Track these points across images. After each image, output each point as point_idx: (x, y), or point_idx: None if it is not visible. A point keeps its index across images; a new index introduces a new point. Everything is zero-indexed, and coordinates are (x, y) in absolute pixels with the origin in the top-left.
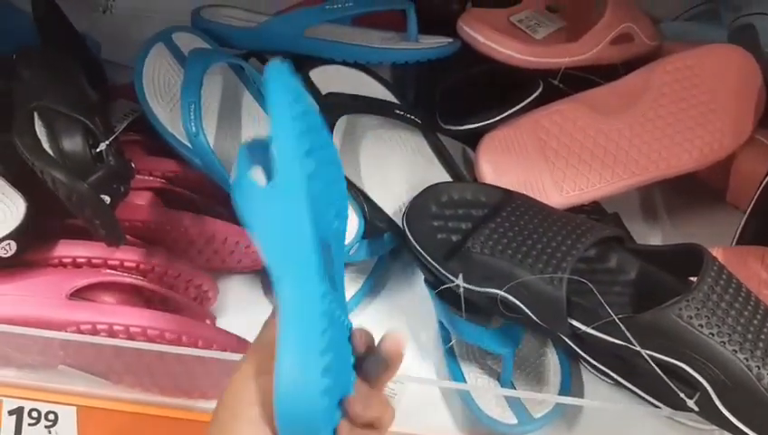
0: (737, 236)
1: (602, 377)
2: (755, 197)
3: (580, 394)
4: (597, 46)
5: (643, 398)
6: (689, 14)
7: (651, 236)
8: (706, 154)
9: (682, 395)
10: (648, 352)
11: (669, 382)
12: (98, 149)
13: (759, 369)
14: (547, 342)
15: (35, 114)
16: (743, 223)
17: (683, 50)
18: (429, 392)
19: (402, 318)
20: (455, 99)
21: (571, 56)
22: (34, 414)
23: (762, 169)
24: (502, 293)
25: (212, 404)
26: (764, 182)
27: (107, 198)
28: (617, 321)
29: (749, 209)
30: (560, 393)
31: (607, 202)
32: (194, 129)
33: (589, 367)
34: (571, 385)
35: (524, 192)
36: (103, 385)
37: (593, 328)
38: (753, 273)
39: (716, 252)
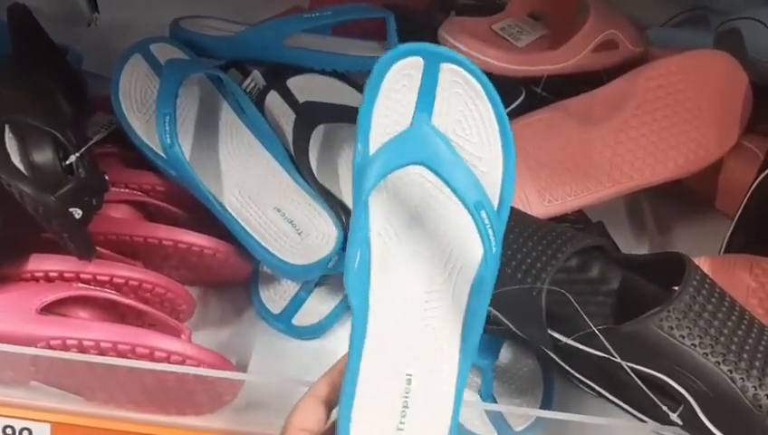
0: (725, 244)
1: (586, 389)
2: (742, 204)
3: (564, 407)
4: (579, 54)
5: (627, 411)
6: (677, 20)
7: (638, 245)
8: (692, 161)
9: (665, 408)
10: (629, 364)
11: (652, 395)
12: (68, 162)
13: (743, 381)
14: (529, 353)
15: (6, 127)
16: (730, 231)
17: (669, 56)
18: None
19: None
20: None
21: (553, 64)
22: (8, 431)
23: (749, 176)
24: None
25: (188, 420)
26: (751, 190)
27: (78, 211)
28: (596, 332)
29: (736, 217)
30: (542, 406)
31: (592, 211)
32: (169, 140)
33: (572, 379)
34: (553, 398)
35: None
36: (77, 401)
37: (574, 339)
38: (741, 282)
39: (704, 261)
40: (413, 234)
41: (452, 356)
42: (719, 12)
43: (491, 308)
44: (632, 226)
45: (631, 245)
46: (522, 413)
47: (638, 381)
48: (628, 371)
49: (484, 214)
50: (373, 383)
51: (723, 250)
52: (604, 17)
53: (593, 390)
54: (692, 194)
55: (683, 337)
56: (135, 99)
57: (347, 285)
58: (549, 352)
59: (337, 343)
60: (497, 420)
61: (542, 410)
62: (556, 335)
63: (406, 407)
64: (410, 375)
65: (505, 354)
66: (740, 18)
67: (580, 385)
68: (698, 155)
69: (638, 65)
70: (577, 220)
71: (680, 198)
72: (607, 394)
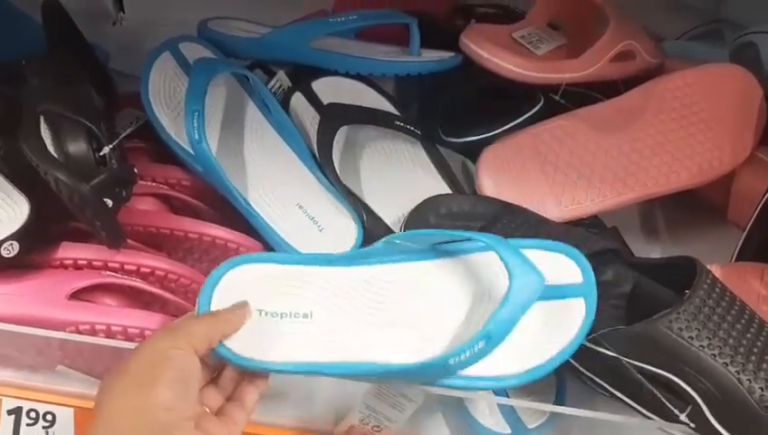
0: (736, 252)
1: (597, 389)
2: (755, 214)
3: (576, 406)
4: (598, 63)
5: (637, 410)
6: (693, 33)
7: (651, 252)
8: (706, 171)
9: (674, 409)
10: (638, 364)
11: (659, 395)
12: (101, 153)
13: (750, 382)
14: None
15: (41, 118)
16: (742, 240)
17: (685, 68)
18: (426, 403)
19: None
20: (456, 112)
21: (572, 72)
22: (33, 415)
23: (762, 187)
24: None
25: None
26: (764, 200)
27: (109, 202)
28: (606, 332)
29: (748, 226)
30: (554, 404)
31: (607, 217)
32: (197, 136)
33: (584, 379)
34: (566, 397)
35: (523, 205)
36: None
37: (585, 339)
38: (751, 289)
39: (715, 268)
40: None
41: None
42: (734, 25)
43: None
44: (645, 233)
45: (644, 251)
46: (534, 409)
47: (645, 382)
48: (633, 371)
49: None
50: None
51: (734, 258)
52: (623, 28)
53: (604, 389)
54: (704, 204)
55: (692, 338)
56: (164, 95)
57: None
58: None
59: None
60: (511, 416)
61: (554, 406)
62: None
63: None
64: None
65: None
66: (755, 32)
67: (592, 385)
68: (712, 165)
69: (655, 76)
70: (592, 225)
71: (693, 208)
72: (618, 393)
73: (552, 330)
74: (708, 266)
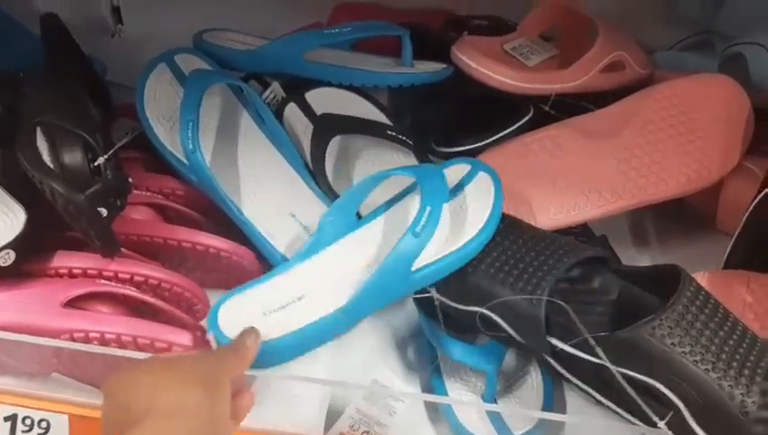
0: (724, 260)
1: (584, 394)
2: (742, 223)
3: (563, 412)
4: (587, 74)
5: (622, 415)
6: (684, 43)
7: (640, 260)
8: (693, 181)
9: (653, 416)
10: (622, 370)
11: (640, 401)
12: (96, 164)
13: (731, 388)
14: (531, 360)
15: (38, 129)
16: (729, 248)
17: (674, 78)
18: (417, 410)
19: (392, 336)
20: (448, 122)
21: (562, 83)
22: (28, 421)
23: (749, 196)
24: (482, 310)
25: None
26: (751, 208)
27: (104, 211)
28: (589, 339)
29: (736, 235)
30: (542, 411)
31: (598, 225)
32: (191, 146)
33: (571, 384)
34: (553, 403)
35: (513, 213)
36: (95, 394)
37: (571, 346)
38: (737, 296)
39: (703, 276)
40: None
41: None
42: (724, 36)
43: (493, 316)
44: (635, 241)
45: (634, 259)
46: (522, 415)
47: (627, 387)
48: (617, 377)
49: None
50: None
51: (722, 266)
52: (612, 40)
53: (590, 395)
54: (694, 212)
55: (674, 345)
56: (159, 106)
57: None
58: (549, 359)
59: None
60: (498, 422)
61: (539, 412)
62: (554, 342)
63: None
64: None
65: (509, 361)
66: (744, 43)
67: (579, 390)
68: (700, 175)
69: (645, 87)
70: (581, 234)
71: (682, 216)
72: (603, 399)
73: (477, 201)
74: (696, 274)
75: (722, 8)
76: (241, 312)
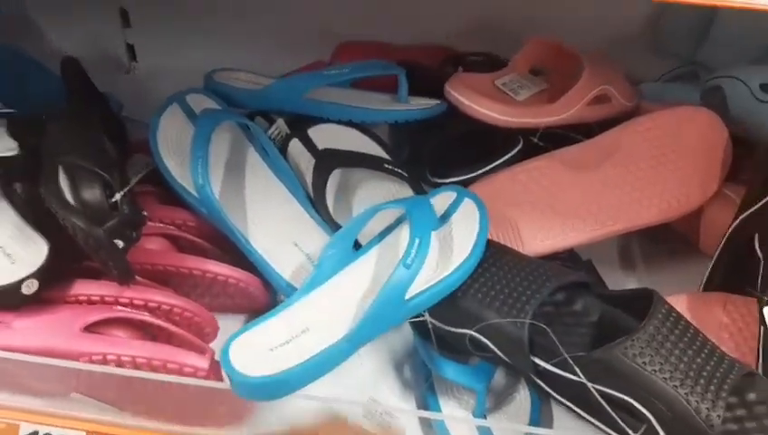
0: (704, 282)
1: (567, 410)
2: (720, 247)
3: (550, 428)
4: (573, 107)
5: (602, 430)
6: (671, 75)
7: (627, 283)
8: (675, 208)
9: (628, 429)
10: (599, 387)
11: (615, 416)
12: (113, 200)
13: (698, 403)
14: (520, 379)
15: (60, 168)
16: (708, 271)
17: (657, 110)
18: (411, 425)
19: (390, 357)
20: (442, 154)
21: (549, 117)
22: None
23: (728, 221)
24: (471, 332)
25: (208, 431)
26: (728, 234)
27: (120, 243)
28: (567, 358)
29: (714, 259)
30: (529, 425)
31: (586, 249)
32: (201, 181)
33: (555, 401)
34: (540, 420)
35: (502, 240)
36: (112, 412)
37: (552, 365)
38: (714, 317)
39: (682, 298)
40: None
41: None
42: (709, 68)
43: (482, 337)
44: (622, 264)
45: (621, 282)
46: (508, 430)
47: (603, 402)
48: (595, 394)
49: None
50: None
51: (702, 288)
52: (598, 74)
53: (572, 410)
54: (679, 237)
55: (645, 363)
56: (171, 143)
57: None
58: (534, 378)
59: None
60: None
61: (526, 426)
62: (537, 362)
63: None
64: None
65: (499, 379)
66: (722, 76)
67: (562, 407)
68: (680, 202)
69: (631, 118)
70: (567, 259)
71: (668, 241)
72: (584, 414)
73: (463, 228)
74: (675, 296)
75: (704, 42)
76: (250, 348)
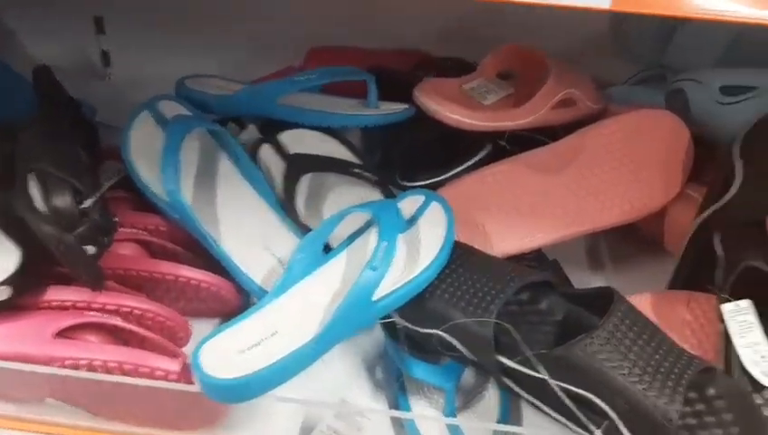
0: (669, 281)
1: (533, 407)
2: (683, 247)
3: (519, 425)
4: (539, 111)
5: (566, 425)
6: (638, 78)
7: (595, 282)
8: (638, 208)
9: (590, 425)
10: (560, 383)
11: (577, 411)
12: (84, 206)
13: (656, 398)
14: (489, 378)
15: (31, 175)
16: (674, 270)
17: (621, 113)
18: (383, 425)
19: (361, 358)
20: (411, 158)
21: (515, 120)
22: None
23: (691, 221)
24: (438, 332)
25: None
26: (690, 234)
27: (92, 248)
28: (530, 356)
29: (679, 258)
30: (497, 423)
31: (555, 250)
32: (172, 186)
33: (522, 399)
34: (508, 418)
35: (470, 242)
36: (86, 417)
37: (516, 362)
38: (677, 315)
39: (646, 297)
40: None
41: None
42: (675, 71)
43: (448, 337)
44: (590, 264)
45: (588, 281)
46: (477, 428)
47: (565, 399)
48: (556, 389)
49: None
50: None
51: (668, 286)
52: (564, 78)
53: (538, 407)
54: (645, 237)
55: (604, 360)
56: (142, 149)
57: None
58: (501, 376)
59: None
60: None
61: (492, 424)
62: (502, 360)
63: None
64: None
65: (469, 379)
66: (684, 79)
67: (527, 403)
68: (643, 203)
69: (597, 120)
70: (534, 259)
71: (635, 240)
72: (549, 411)
73: (430, 230)
74: (640, 295)
75: (670, 45)
76: (220, 351)
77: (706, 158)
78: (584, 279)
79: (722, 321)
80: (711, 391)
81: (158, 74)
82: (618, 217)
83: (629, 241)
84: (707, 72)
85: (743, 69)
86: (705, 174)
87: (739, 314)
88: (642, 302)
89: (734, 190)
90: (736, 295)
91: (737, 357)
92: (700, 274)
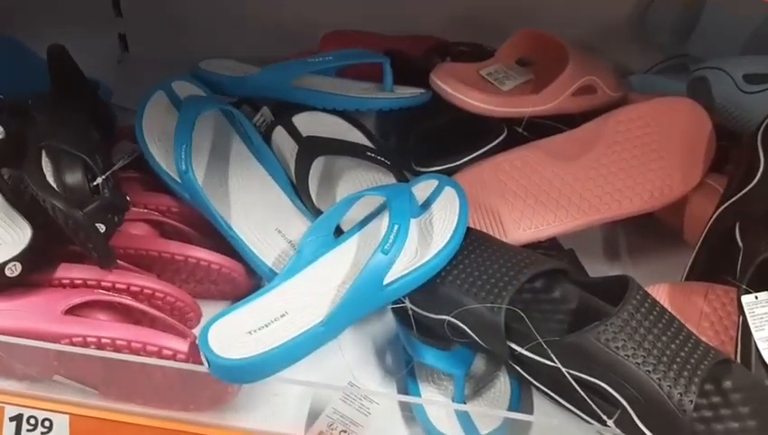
0: (686, 272)
1: (542, 394)
2: (702, 237)
3: (530, 413)
4: (558, 98)
5: (577, 414)
6: (660, 66)
7: (612, 273)
8: (657, 197)
9: (602, 414)
10: (572, 371)
11: (589, 400)
12: (95, 183)
13: (670, 388)
14: (500, 365)
15: (43, 152)
16: (691, 261)
17: (642, 101)
18: (392, 410)
19: (371, 342)
20: (427, 143)
21: (533, 107)
22: (32, 421)
23: (710, 212)
24: (449, 318)
25: (190, 415)
26: (709, 224)
27: (102, 226)
28: (542, 343)
29: (696, 249)
30: (508, 411)
31: (571, 238)
32: (184, 167)
33: (531, 386)
34: (519, 405)
35: (485, 228)
36: (94, 395)
37: (527, 349)
38: (695, 306)
39: (663, 287)
40: None
41: None
42: (697, 59)
43: (459, 323)
44: (607, 254)
45: (605, 271)
46: (486, 414)
47: (576, 387)
48: (569, 379)
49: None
50: None
51: (684, 277)
52: (583, 65)
53: (549, 395)
54: (663, 227)
55: (618, 348)
56: (156, 130)
57: None
58: (512, 363)
59: (331, 349)
60: (465, 421)
61: (506, 412)
62: (513, 347)
63: None
64: None
65: (479, 365)
66: (707, 67)
67: (538, 391)
68: (663, 192)
69: (617, 108)
70: (550, 247)
71: (653, 230)
72: (560, 400)
73: (443, 216)
74: (657, 286)
75: (693, 33)
76: (229, 332)
77: (730, 147)
78: (600, 270)
79: (740, 313)
80: (728, 384)
81: (174, 57)
82: (636, 207)
83: (647, 233)
84: (731, 59)
85: (767, 57)
86: (729, 164)
87: (758, 307)
88: (659, 293)
89: (756, 180)
90: (755, 288)
91: (755, 350)
92: (718, 265)
